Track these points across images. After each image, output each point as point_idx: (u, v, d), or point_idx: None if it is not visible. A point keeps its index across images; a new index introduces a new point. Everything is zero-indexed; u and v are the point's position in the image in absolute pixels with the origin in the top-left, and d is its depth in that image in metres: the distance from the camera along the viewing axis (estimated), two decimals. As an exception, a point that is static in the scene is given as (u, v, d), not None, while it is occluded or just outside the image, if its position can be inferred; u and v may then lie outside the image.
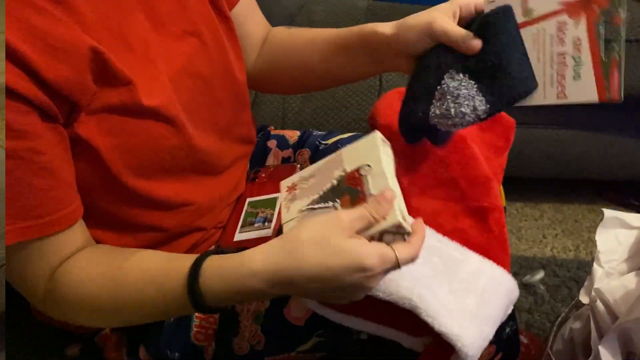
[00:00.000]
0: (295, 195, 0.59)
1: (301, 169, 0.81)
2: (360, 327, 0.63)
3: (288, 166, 0.82)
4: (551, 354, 0.73)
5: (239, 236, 0.73)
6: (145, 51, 0.56)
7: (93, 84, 0.51)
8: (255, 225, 0.73)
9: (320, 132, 0.90)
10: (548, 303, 1.23)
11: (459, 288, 0.58)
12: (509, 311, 0.63)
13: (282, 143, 0.88)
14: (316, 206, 0.55)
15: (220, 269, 0.51)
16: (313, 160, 0.84)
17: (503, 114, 0.74)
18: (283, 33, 0.80)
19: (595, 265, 0.75)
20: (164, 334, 0.68)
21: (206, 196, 0.68)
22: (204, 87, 0.65)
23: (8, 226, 0.49)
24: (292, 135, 0.89)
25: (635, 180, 1.40)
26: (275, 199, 0.76)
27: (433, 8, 0.61)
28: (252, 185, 0.80)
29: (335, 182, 0.56)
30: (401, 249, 0.50)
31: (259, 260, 0.50)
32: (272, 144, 0.89)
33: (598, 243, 0.77)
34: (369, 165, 0.55)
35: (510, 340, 0.70)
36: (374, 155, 0.56)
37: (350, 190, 0.55)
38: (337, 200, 0.54)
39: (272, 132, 0.91)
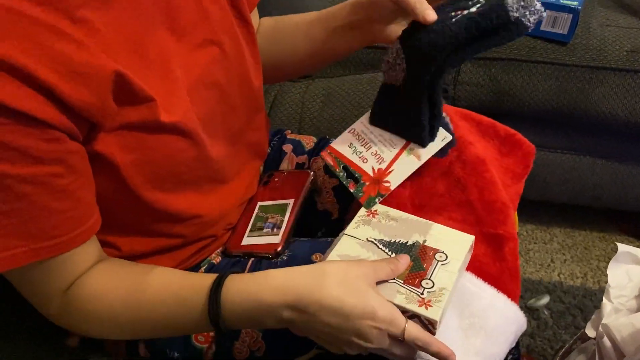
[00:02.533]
0: (371, 221, 0.62)
1: (315, 176, 0.81)
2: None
3: (302, 173, 0.82)
4: (553, 386, 0.72)
5: (247, 240, 0.72)
6: (166, 65, 0.56)
7: (114, 104, 0.50)
8: (264, 230, 0.73)
9: (337, 140, 0.89)
10: (551, 329, 1.22)
11: (469, 324, 0.57)
12: (514, 344, 0.62)
13: (298, 148, 0.88)
14: (380, 245, 0.59)
15: (242, 282, 0.53)
16: (327, 168, 0.83)
17: (524, 139, 0.73)
18: (269, 22, 0.81)
19: (604, 299, 0.74)
20: (165, 332, 0.68)
21: (218, 205, 0.68)
22: (220, 96, 0.64)
23: (19, 248, 0.48)
24: (309, 141, 0.89)
25: (650, 212, 1.39)
26: (286, 205, 0.76)
27: None
28: (264, 189, 0.80)
29: (410, 242, 0.60)
30: (413, 327, 0.52)
31: (281, 277, 0.52)
32: (287, 148, 0.88)
33: (609, 277, 0.76)
34: (446, 256, 0.58)
35: (512, 368, 0.70)
36: (458, 253, 0.58)
37: (417, 260, 0.57)
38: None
39: (289, 136, 0.90)
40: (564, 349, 0.77)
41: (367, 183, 0.66)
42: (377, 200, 0.64)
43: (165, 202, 0.59)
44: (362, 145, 0.68)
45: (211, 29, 0.62)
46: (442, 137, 0.65)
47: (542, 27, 1.16)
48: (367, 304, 0.50)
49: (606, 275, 0.75)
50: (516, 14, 0.56)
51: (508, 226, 0.64)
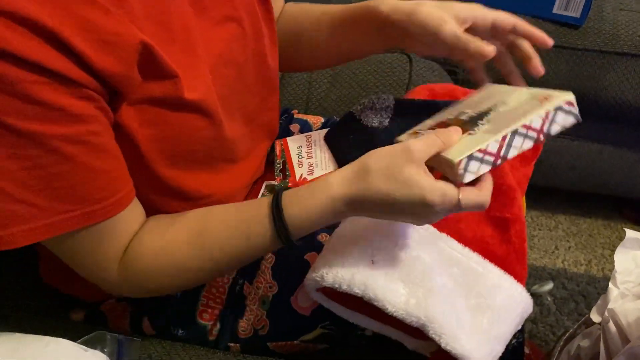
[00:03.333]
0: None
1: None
2: (364, 324, 0.63)
3: (308, 152, 0.81)
4: (556, 370, 0.72)
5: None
6: (188, 40, 0.55)
7: (139, 76, 0.50)
8: (270, 209, 0.73)
9: (344, 121, 0.88)
10: (554, 315, 1.22)
11: (476, 303, 0.57)
12: (520, 326, 0.62)
13: (305, 128, 0.87)
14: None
15: (299, 198, 0.54)
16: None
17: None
18: (294, 9, 0.79)
19: (610, 284, 0.73)
20: (169, 309, 0.68)
21: (229, 184, 0.67)
22: (237, 74, 0.63)
23: (71, 212, 0.48)
24: (316, 121, 0.88)
25: (657, 200, 1.38)
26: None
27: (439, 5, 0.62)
28: (271, 169, 0.79)
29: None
30: (467, 192, 0.50)
31: (335, 187, 0.52)
32: (294, 127, 0.87)
33: (616, 263, 0.75)
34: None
35: (516, 352, 0.69)
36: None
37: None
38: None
39: (296, 116, 0.90)
40: (567, 334, 0.77)
41: (290, 184, 0.72)
42: None
43: (179, 179, 0.59)
44: (306, 152, 0.75)
45: (231, 5, 0.61)
46: None
47: (555, 10, 1.14)
48: (415, 193, 0.49)
49: (610, 263, 0.75)
50: None
51: (514, 209, 0.64)
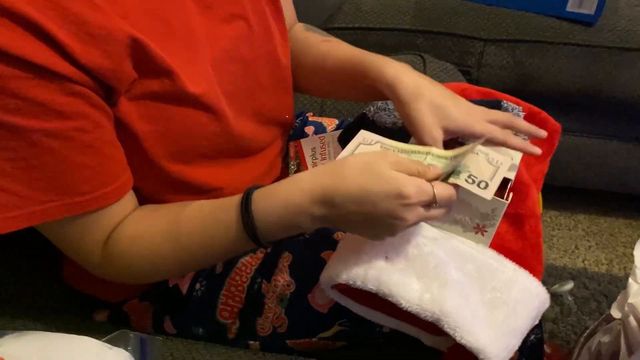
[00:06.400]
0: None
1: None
2: (381, 321, 0.63)
3: (324, 154, 0.82)
4: (576, 367, 0.72)
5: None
6: (189, 36, 0.56)
7: (133, 71, 0.51)
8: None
9: (358, 122, 0.89)
10: (575, 315, 1.20)
11: (491, 298, 0.57)
12: (537, 321, 0.62)
13: (320, 130, 0.88)
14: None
15: (269, 191, 0.54)
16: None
17: (549, 117, 0.72)
18: (300, 36, 0.78)
19: (630, 280, 0.73)
20: (190, 309, 0.69)
21: (240, 178, 0.68)
22: (246, 72, 0.64)
23: (52, 202, 0.50)
24: (330, 123, 0.89)
25: (679, 198, 1.36)
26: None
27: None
28: (286, 171, 0.80)
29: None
30: (439, 187, 0.51)
31: (307, 180, 0.52)
32: (309, 130, 0.88)
33: (636, 258, 0.75)
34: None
35: (534, 349, 0.69)
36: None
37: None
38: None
39: (310, 119, 0.91)
40: (588, 331, 0.76)
41: None
42: None
43: (185, 173, 0.60)
44: (320, 153, 0.76)
45: (238, 4, 0.62)
46: None
47: (569, 8, 1.13)
48: (391, 185, 0.49)
49: (633, 262, 0.74)
50: None
51: (528, 204, 0.64)
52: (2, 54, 0.43)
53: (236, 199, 0.54)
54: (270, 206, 0.53)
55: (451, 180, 0.53)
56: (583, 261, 1.35)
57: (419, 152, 0.56)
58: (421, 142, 0.59)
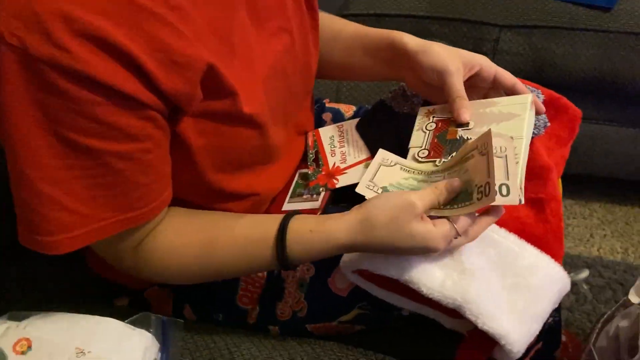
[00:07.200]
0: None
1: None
2: (401, 304, 0.63)
3: (341, 141, 0.82)
4: (594, 350, 0.71)
5: (287, 206, 0.74)
6: (247, 54, 0.56)
7: (201, 93, 0.51)
8: (304, 196, 0.74)
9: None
10: (590, 303, 1.20)
11: (512, 283, 0.57)
12: (557, 305, 0.62)
13: (337, 117, 0.88)
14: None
15: (303, 239, 0.56)
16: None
17: (570, 103, 0.71)
18: None
19: (649, 265, 0.73)
20: (210, 295, 0.70)
21: (268, 184, 0.69)
22: (286, 85, 0.65)
23: (109, 219, 0.51)
24: (348, 109, 0.89)
25: (696, 186, 1.34)
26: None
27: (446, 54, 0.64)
28: (304, 158, 0.80)
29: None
30: (460, 222, 0.54)
31: (340, 237, 0.55)
32: (327, 116, 0.88)
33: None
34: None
35: (552, 332, 0.69)
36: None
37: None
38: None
39: (327, 105, 0.91)
40: (605, 316, 0.76)
41: (323, 172, 0.73)
42: (321, 189, 0.71)
43: (223, 182, 0.61)
44: (338, 141, 0.76)
45: (285, 16, 0.62)
46: None
47: (585, -7, 1.12)
48: (417, 242, 0.53)
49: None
50: None
51: (549, 188, 0.64)
52: (93, 82, 0.44)
53: (270, 236, 0.56)
54: (306, 255, 0.57)
55: (464, 210, 0.53)
56: (598, 249, 1.34)
57: (435, 172, 0.59)
58: (444, 78, 0.63)
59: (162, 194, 0.54)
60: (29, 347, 0.54)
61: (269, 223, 0.57)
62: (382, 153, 0.63)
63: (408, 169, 0.61)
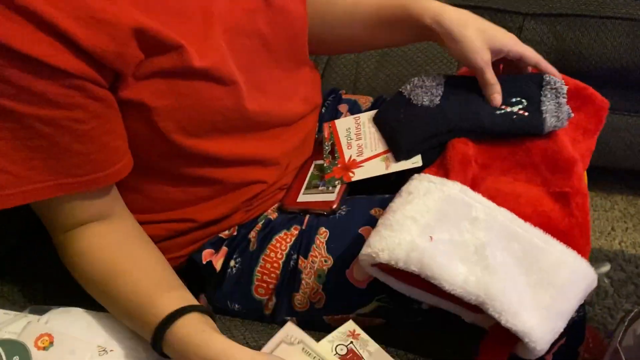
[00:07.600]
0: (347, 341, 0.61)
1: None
2: (421, 298, 0.62)
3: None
4: (620, 349, 0.70)
5: (302, 197, 0.73)
6: (205, 10, 0.56)
7: (140, 52, 0.51)
8: (320, 188, 0.73)
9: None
10: (611, 298, 1.18)
11: (537, 279, 0.56)
12: (582, 302, 0.61)
13: (354, 108, 0.86)
14: None
15: (182, 344, 0.54)
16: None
17: (596, 94, 0.69)
18: None
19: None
20: (226, 285, 0.69)
21: (264, 151, 0.68)
22: (263, 46, 0.64)
23: (45, 182, 0.52)
24: (365, 101, 0.88)
25: None
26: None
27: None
28: (320, 149, 0.80)
29: None
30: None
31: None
32: (343, 108, 0.87)
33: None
34: None
35: (577, 327, 0.68)
36: None
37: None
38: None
39: (344, 96, 0.89)
40: (632, 314, 0.74)
41: (339, 165, 0.73)
42: (337, 182, 0.71)
43: (202, 147, 0.60)
44: (355, 134, 0.76)
45: None
46: (414, 161, 0.69)
47: (613, -20, 1.09)
48: None
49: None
50: (550, 129, 0.64)
51: (573, 182, 0.62)
52: (8, 50, 0.44)
53: (153, 326, 0.54)
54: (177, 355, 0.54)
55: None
56: (620, 243, 1.32)
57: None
58: (472, 65, 0.67)
59: (108, 167, 0.54)
60: (51, 343, 0.54)
61: (152, 318, 0.55)
62: (287, 328, 0.59)
63: (311, 351, 0.58)
